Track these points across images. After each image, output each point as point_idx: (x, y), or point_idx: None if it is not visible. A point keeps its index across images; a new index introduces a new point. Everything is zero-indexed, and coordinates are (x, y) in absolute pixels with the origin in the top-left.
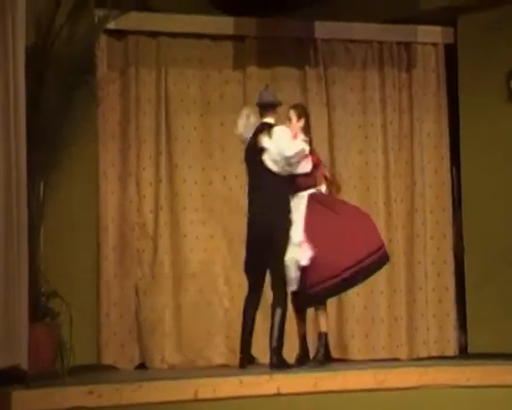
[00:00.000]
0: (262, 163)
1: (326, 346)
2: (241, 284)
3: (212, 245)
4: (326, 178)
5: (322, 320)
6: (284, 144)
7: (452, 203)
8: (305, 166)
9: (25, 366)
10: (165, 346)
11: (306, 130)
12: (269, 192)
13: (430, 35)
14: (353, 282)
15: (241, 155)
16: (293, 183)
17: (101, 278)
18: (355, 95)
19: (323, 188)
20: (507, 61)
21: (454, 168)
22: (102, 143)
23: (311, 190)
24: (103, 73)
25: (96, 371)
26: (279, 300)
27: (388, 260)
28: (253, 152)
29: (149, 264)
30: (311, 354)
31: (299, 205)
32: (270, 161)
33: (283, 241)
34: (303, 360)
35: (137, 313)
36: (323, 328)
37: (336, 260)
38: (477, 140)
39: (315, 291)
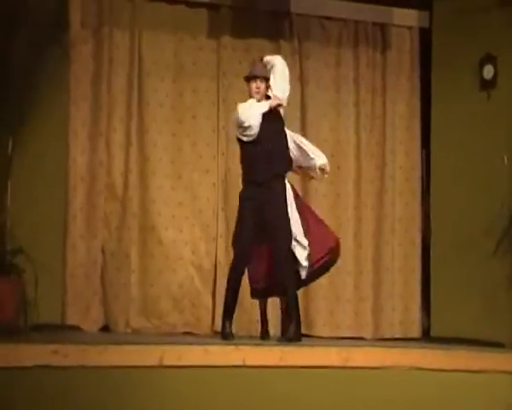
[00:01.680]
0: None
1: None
2: (209, 252)
3: (180, 212)
4: None
5: None
6: None
7: (421, 186)
8: None
9: None
10: (129, 310)
11: None
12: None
13: (405, 18)
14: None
15: (213, 123)
16: None
17: (67, 238)
18: (329, 71)
19: None
20: (480, 48)
21: (424, 152)
22: (73, 101)
23: None
24: (76, 31)
25: (60, 331)
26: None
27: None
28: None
29: (117, 226)
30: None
31: None
32: None
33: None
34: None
35: (103, 276)
36: None
37: None
38: (448, 125)
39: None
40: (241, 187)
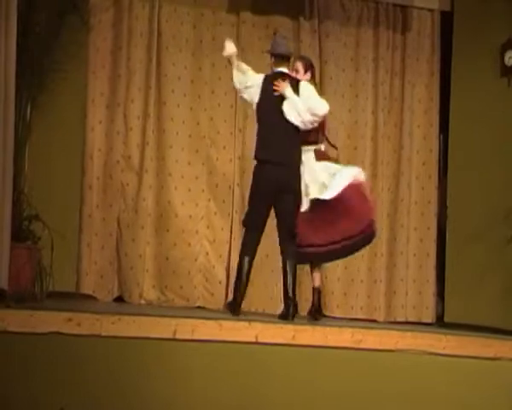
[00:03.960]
0: (281, 113)
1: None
2: (224, 227)
3: (196, 186)
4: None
5: (317, 276)
6: (316, 102)
7: (438, 171)
8: None
9: (5, 285)
10: (143, 282)
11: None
12: (287, 145)
13: (427, 0)
14: (340, 255)
15: (231, 98)
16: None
17: (83, 207)
18: (348, 51)
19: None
20: (502, 34)
21: (442, 136)
22: (92, 70)
23: (314, 147)
24: (96, 0)
25: (75, 299)
26: (292, 253)
27: (372, 239)
28: (271, 101)
29: (133, 198)
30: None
31: (307, 160)
32: (293, 112)
33: (299, 196)
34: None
35: (118, 246)
36: (317, 283)
37: (334, 229)
38: (467, 110)
39: (310, 252)
40: None
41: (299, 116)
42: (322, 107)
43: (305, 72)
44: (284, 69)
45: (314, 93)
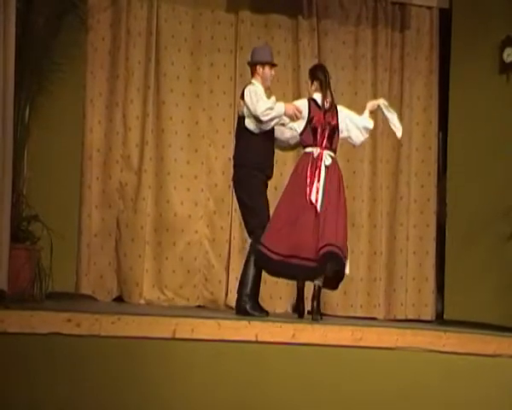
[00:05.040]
0: (240, 124)
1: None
2: (223, 227)
3: (195, 186)
4: None
5: None
6: (254, 103)
7: (437, 168)
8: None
9: (4, 286)
10: (143, 281)
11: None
12: (236, 148)
13: None
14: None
15: (230, 98)
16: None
17: (83, 207)
18: (347, 49)
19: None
20: (501, 31)
21: (441, 134)
22: (90, 70)
23: (308, 150)
24: (95, 0)
25: (74, 300)
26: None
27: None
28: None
29: (132, 198)
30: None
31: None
32: (247, 120)
33: (241, 194)
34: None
35: (117, 246)
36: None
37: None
38: (466, 107)
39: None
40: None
41: (251, 123)
42: (258, 108)
43: (311, 84)
44: (253, 80)
45: (250, 97)
